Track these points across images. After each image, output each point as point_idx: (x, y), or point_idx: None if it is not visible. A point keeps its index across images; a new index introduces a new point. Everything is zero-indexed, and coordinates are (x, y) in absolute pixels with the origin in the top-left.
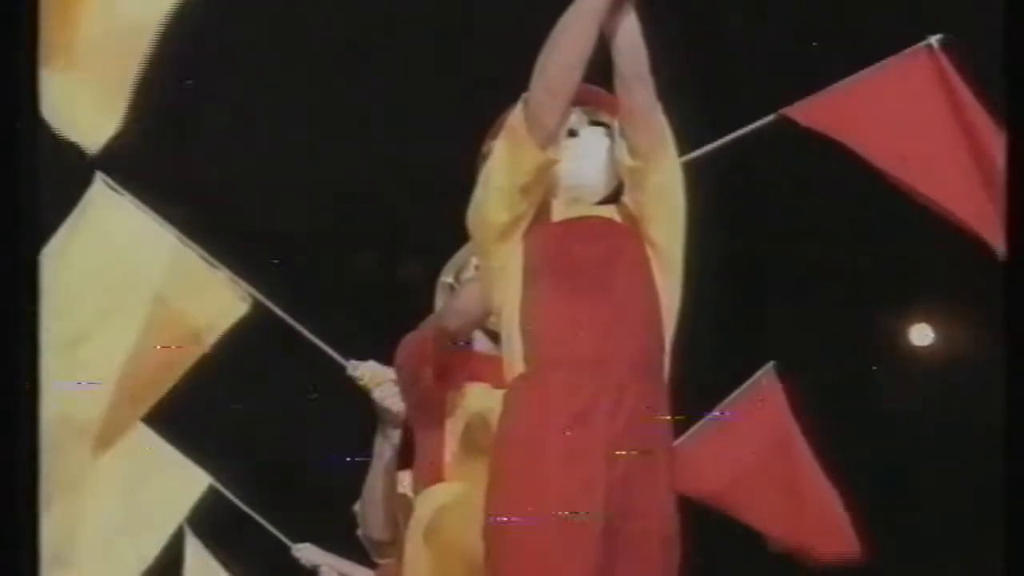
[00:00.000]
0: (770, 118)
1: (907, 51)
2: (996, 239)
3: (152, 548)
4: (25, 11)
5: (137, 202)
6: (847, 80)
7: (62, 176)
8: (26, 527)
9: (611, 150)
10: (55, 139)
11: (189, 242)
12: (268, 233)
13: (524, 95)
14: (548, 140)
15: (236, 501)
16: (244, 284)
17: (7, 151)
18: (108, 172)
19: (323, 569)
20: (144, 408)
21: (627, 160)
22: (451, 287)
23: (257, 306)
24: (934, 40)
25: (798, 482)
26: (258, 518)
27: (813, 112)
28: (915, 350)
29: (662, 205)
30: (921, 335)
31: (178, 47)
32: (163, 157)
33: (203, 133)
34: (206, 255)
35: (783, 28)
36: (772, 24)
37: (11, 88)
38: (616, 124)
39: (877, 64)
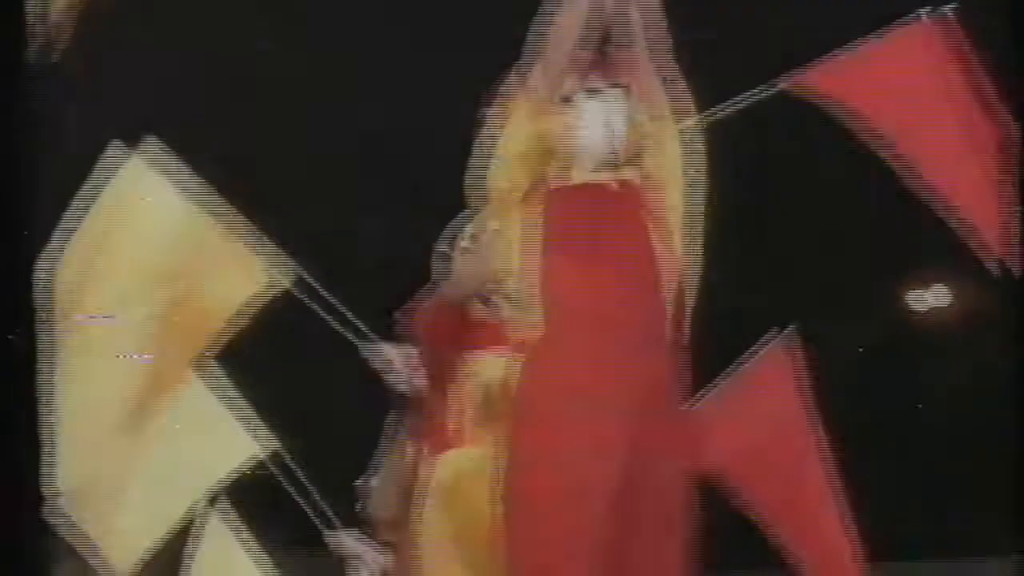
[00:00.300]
0: (780, 86)
1: (919, 20)
2: (995, 230)
3: (181, 508)
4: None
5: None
6: (855, 48)
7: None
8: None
9: (628, 114)
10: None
11: (215, 212)
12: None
13: (519, 64)
14: (546, 107)
15: (282, 481)
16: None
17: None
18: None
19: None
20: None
21: (645, 124)
22: (447, 256)
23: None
24: (947, 9)
25: (803, 470)
26: (299, 500)
27: (821, 80)
28: (931, 313)
29: (678, 170)
30: (938, 296)
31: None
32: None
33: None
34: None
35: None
36: None
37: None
38: (634, 88)
39: (887, 30)
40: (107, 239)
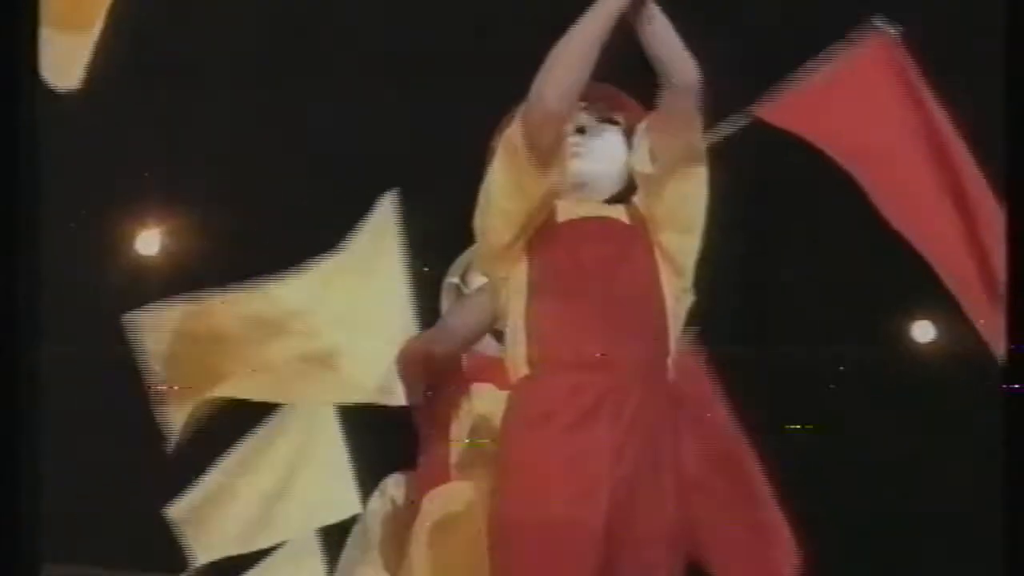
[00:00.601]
0: (745, 118)
1: (865, 40)
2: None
3: (276, 538)
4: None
5: None
6: (805, 74)
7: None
8: None
9: (623, 150)
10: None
11: None
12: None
13: (521, 107)
14: (549, 159)
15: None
16: None
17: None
18: None
19: None
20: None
21: (645, 166)
22: (457, 287)
23: None
24: (891, 29)
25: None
26: None
27: (780, 111)
28: (917, 347)
29: (680, 213)
30: (923, 332)
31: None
32: None
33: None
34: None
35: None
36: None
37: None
38: (624, 122)
39: (836, 55)
40: (335, 277)
